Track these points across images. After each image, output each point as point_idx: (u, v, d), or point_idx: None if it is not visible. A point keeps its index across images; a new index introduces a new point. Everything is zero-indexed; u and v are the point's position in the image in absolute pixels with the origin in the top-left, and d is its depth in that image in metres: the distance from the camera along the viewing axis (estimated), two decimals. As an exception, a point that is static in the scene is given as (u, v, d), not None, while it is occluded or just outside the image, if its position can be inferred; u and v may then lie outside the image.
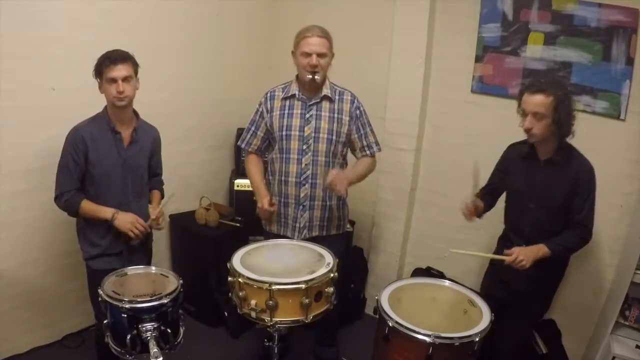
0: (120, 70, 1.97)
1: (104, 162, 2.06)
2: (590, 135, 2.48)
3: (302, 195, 2.30)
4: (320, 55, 2.18)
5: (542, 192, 2.09)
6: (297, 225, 2.34)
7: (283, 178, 2.32)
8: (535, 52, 2.60)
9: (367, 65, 3.18)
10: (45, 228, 2.57)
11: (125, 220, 2.06)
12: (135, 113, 2.17)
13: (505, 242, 2.23)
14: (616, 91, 2.40)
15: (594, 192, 2.06)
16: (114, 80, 1.97)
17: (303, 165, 2.28)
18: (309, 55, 2.18)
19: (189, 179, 3.26)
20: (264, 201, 2.26)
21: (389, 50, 3.03)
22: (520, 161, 2.18)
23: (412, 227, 3.24)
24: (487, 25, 2.73)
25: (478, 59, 2.79)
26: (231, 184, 3.36)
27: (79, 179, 2.05)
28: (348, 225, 2.62)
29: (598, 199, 2.49)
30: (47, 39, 2.36)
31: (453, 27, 2.87)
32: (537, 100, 1.94)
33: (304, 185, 2.30)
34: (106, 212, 2.05)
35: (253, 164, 2.42)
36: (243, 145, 2.43)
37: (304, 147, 2.27)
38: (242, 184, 3.26)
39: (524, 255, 1.99)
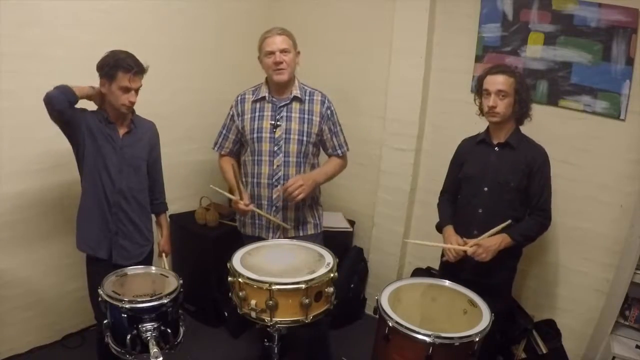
0: (137, 82, 1.98)
1: (100, 149, 2.05)
2: (590, 135, 2.49)
3: (274, 196, 2.29)
4: (283, 51, 2.18)
5: (496, 174, 2.15)
6: (271, 226, 2.34)
7: (255, 180, 2.31)
8: (535, 52, 2.60)
9: (367, 65, 3.18)
10: (46, 228, 2.58)
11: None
12: None
13: (457, 231, 2.24)
14: (616, 91, 2.40)
15: (549, 177, 2.15)
16: (127, 90, 1.98)
17: (275, 167, 2.28)
18: (272, 53, 2.18)
19: (189, 179, 3.26)
20: (244, 197, 2.21)
21: (389, 50, 3.03)
22: (475, 147, 2.26)
23: (412, 227, 3.24)
24: (487, 25, 2.73)
25: (478, 59, 2.79)
26: (231, 184, 3.36)
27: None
28: (349, 225, 2.61)
29: (597, 198, 2.52)
30: (47, 39, 2.36)
31: (453, 27, 2.87)
32: (501, 80, 2.08)
33: (276, 186, 2.29)
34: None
35: (224, 162, 2.43)
36: (215, 149, 2.45)
37: (275, 148, 2.27)
38: (242, 184, 3.26)
39: (484, 248, 2.05)
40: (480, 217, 2.19)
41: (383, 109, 3.09)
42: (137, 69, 1.97)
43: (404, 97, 3.02)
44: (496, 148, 2.19)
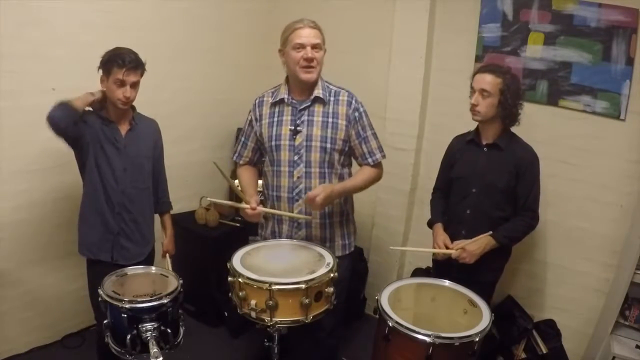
0: (131, 77, 1.98)
1: (104, 151, 2.05)
2: (590, 135, 2.49)
3: (295, 211, 2.06)
4: (315, 47, 1.94)
5: (485, 176, 2.15)
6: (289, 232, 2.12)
7: (275, 194, 2.09)
8: (535, 52, 2.60)
9: (367, 65, 3.18)
10: (46, 228, 2.58)
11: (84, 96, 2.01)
12: (131, 106, 2.16)
13: (447, 230, 2.26)
14: (616, 91, 2.40)
15: (538, 178, 2.14)
16: (122, 84, 1.97)
17: (295, 179, 2.03)
18: (302, 47, 1.93)
19: (189, 179, 3.26)
20: (250, 202, 1.98)
21: (389, 50, 3.03)
22: (464, 147, 2.26)
23: (412, 227, 3.23)
24: (487, 25, 2.73)
25: (478, 59, 2.79)
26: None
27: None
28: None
29: (597, 198, 2.51)
30: (47, 39, 2.36)
31: (453, 27, 2.87)
32: (486, 79, 2.07)
33: (297, 200, 2.05)
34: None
35: (242, 171, 2.22)
36: (235, 158, 2.23)
37: (295, 157, 2.02)
38: (242, 184, 3.26)
39: (468, 252, 2.07)
40: (468, 218, 2.20)
41: (383, 109, 3.09)
42: (130, 64, 1.96)
43: (404, 97, 3.02)
44: (485, 149, 2.18)
